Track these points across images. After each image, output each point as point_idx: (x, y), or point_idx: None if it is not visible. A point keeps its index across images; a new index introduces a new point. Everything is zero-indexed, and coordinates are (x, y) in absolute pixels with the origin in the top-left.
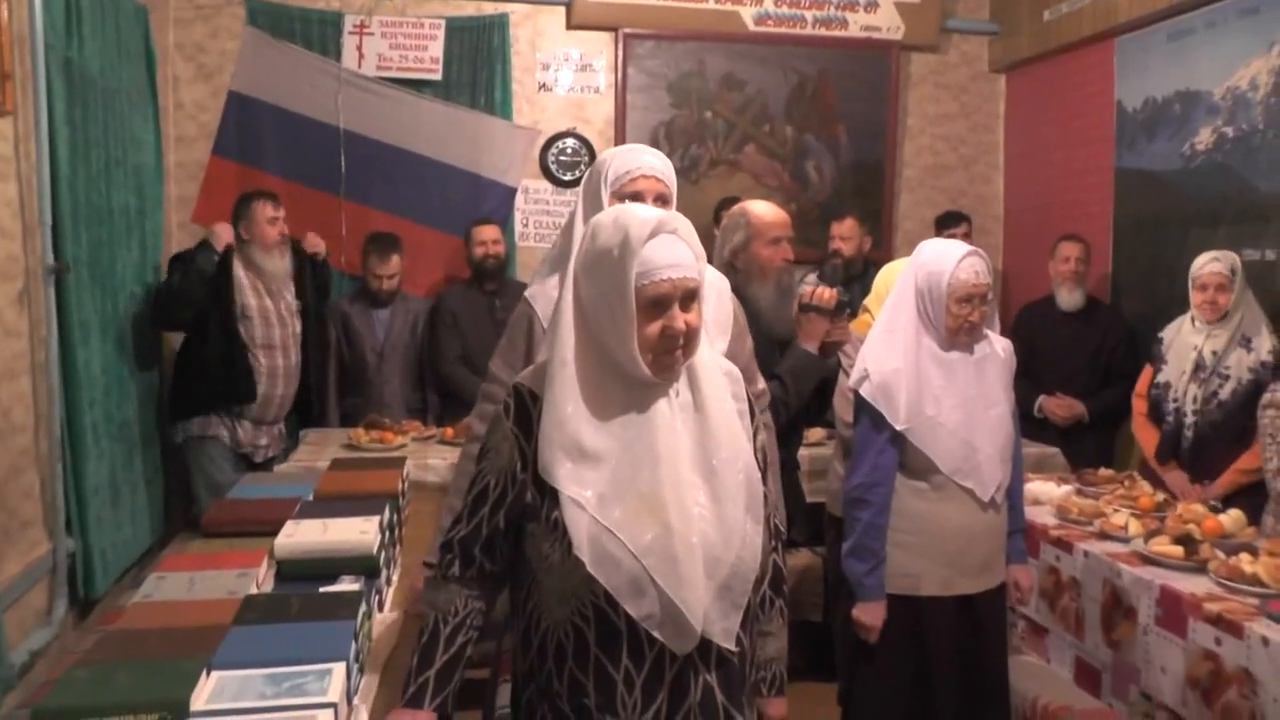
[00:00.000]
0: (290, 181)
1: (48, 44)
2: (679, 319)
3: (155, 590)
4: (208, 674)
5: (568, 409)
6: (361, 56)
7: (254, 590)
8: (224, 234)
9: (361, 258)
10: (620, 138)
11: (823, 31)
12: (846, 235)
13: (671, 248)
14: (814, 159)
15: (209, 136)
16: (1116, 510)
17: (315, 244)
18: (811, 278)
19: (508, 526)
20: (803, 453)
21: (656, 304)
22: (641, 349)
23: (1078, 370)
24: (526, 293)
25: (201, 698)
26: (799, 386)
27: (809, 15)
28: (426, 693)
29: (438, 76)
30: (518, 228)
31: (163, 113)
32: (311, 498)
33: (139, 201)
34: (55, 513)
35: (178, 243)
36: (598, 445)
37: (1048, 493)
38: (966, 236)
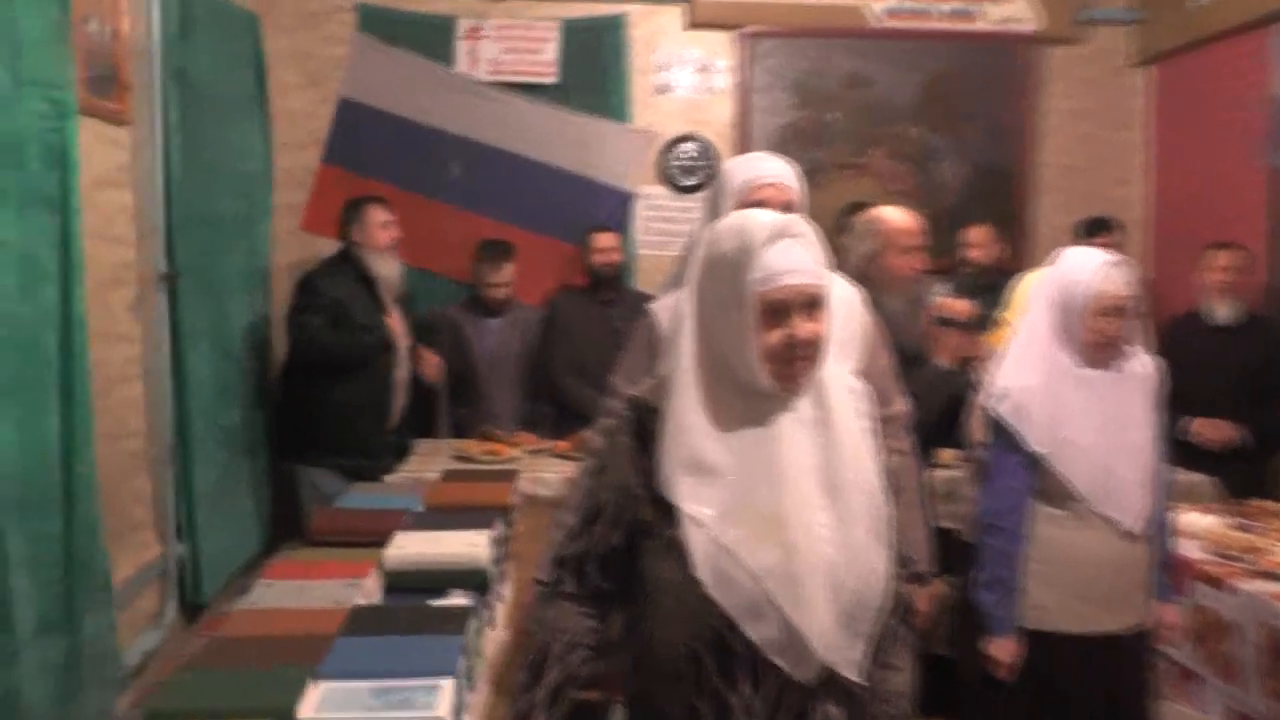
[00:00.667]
0: (400, 188)
1: (164, 54)
2: (802, 327)
3: (262, 597)
4: (314, 683)
5: (687, 422)
6: (475, 61)
7: (361, 601)
8: (396, 327)
9: (473, 266)
10: (742, 141)
11: (953, 25)
12: (979, 242)
13: (792, 253)
14: (943, 161)
15: (317, 143)
16: (1277, 545)
17: (430, 368)
18: (944, 288)
19: (622, 544)
20: (934, 475)
21: (777, 311)
22: (762, 359)
23: (1229, 390)
24: (650, 305)
25: (308, 707)
26: (929, 404)
27: (938, 9)
28: (536, 711)
29: (553, 80)
30: (636, 235)
31: (271, 119)
32: (421, 509)
33: (248, 208)
34: (165, 517)
35: (285, 251)
36: (718, 460)
37: (1198, 524)
38: (1115, 246)
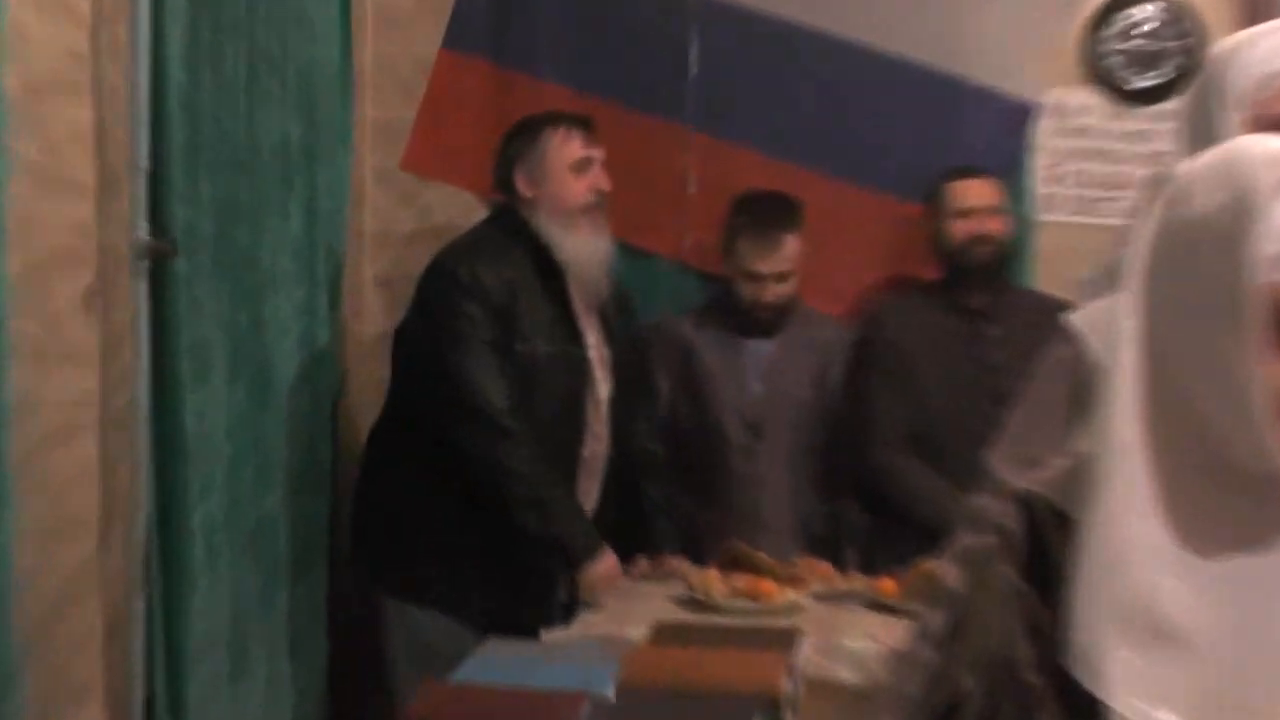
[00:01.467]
0: (588, 95)
1: None
2: None
3: None
4: None
5: (1132, 542)
6: None
7: None
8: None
9: (723, 241)
10: (1252, 9)
11: None
12: None
13: None
14: None
15: (438, 16)
16: None
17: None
18: None
19: None
20: None
21: None
22: (1277, 413)
23: None
24: (1069, 319)
25: None
26: None
27: None
28: None
29: None
30: (1037, 185)
31: None
32: (612, 693)
33: (306, 132)
34: (131, 679)
35: (374, 210)
36: (1187, 614)
37: None
38: None
